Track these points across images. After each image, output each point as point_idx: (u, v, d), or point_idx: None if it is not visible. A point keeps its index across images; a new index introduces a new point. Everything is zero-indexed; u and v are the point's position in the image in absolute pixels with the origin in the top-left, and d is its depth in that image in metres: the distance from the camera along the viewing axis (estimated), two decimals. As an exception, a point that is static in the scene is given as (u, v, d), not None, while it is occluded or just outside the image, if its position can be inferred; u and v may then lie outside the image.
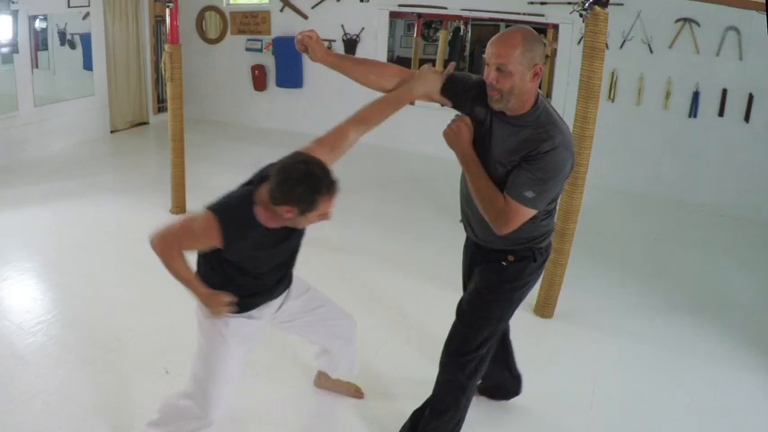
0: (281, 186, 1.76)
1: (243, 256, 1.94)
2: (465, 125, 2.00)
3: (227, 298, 1.97)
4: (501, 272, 2.15)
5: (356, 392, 2.72)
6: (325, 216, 1.85)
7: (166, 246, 1.91)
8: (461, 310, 2.23)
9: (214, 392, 2.05)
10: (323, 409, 2.68)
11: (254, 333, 2.16)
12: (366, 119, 2.04)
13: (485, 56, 1.91)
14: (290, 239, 2.00)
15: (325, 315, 2.37)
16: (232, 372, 2.10)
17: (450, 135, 2.02)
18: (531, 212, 1.94)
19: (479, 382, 2.37)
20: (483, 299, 2.18)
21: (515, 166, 1.92)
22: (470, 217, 2.20)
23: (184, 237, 1.90)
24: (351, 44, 6.84)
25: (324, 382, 2.73)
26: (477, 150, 2.05)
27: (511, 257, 2.12)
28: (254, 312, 2.12)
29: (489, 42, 1.90)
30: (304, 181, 1.75)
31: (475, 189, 2.00)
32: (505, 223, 1.95)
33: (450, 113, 2.13)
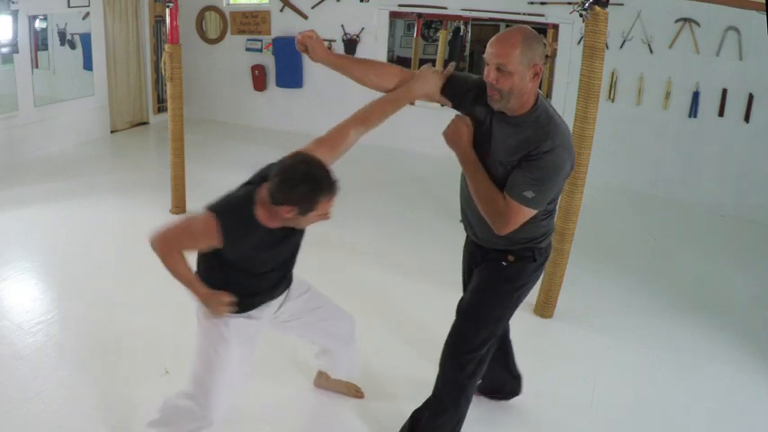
0: (282, 186, 1.77)
1: (243, 255, 1.94)
2: (465, 125, 2.01)
3: (227, 298, 1.97)
4: (501, 271, 2.15)
5: (356, 393, 2.71)
6: (325, 216, 1.86)
7: (167, 245, 1.91)
8: (461, 309, 2.23)
9: (214, 393, 2.05)
10: (322, 410, 2.67)
11: (254, 333, 2.16)
12: (366, 118, 2.04)
13: (485, 55, 1.91)
14: (291, 239, 2.00)
15: (324, 315, 2.37)
16: (233, 372, 2.09)
17: (450, 135, 2.03)
18: (532, 212, 1.95)
19: (479, 381, 2.37)
20: (483, 298, 2.18)
21: (515, 166, 1.93)
22: (470, 217, 2.20)
23: (185, 237, 1.91)
24: (351, 44, 6.84)
25: (324, 381, 2.72)
26: (477, 151, 2.05)
27: (511, 257, 2.12)
28: (253, 312, 2.11)
29: (489, 42, 1.90)
30: (305, 181, 1.76)
31: (474, 189, 2.00)
32: (505, 223, 1.95)
33: (449, 113, 2.13)
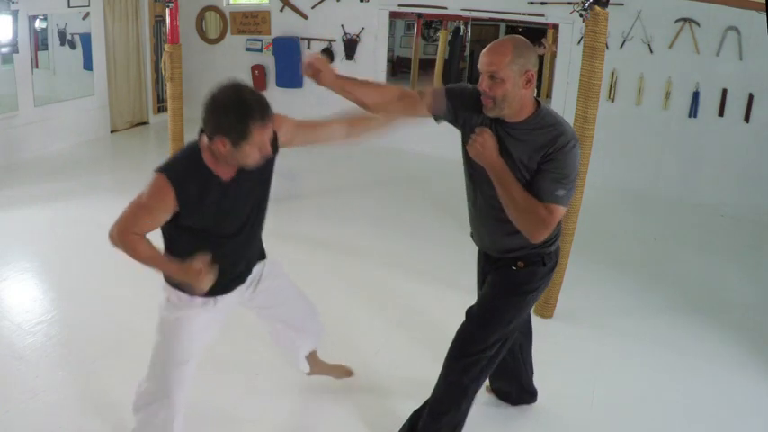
0: (212, 116, 1.67)
1: (201, 212, 1.83)
2: (490, 136, 1.96)
3: (199, 264, 1.79)
4: (512, 277, 2.15)
5: (347, 372, 2.70)
6: (264, 149, 1.74)
7: (123, 233, 1.80)
8: (471, 312, 2.22)
9: (173, 373, 2.01)
10: (322, 410, 2.67)
11: (215, 314, 2.07)
12: (353, 122, 2.11)
13: (478, 66, 1.95)
14: (246, 185, 1.88)
15: (294, 310, 2.36)
16: (190, 352, 2.03)
17: (478, 149, 1.97)
18: (564, 210, 1.97)
19: (487, 384, 2.36)
20: (493, 303, 2.18)
21: (533, 172, 1.94)
22: (480, 228, 2.22)
23: (139, 213, 1.79)
24: (351, 44, 6.84)
25: (314, 368, 2.65)
26: None
27: (521, 263, 2.13)
28: (220, 296, 2.04)
29: (482, 52, 1.94)
30: (234, 107, 1.65)
31: (509, 198, 1.95)
32: (545, 228, 1.95)
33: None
